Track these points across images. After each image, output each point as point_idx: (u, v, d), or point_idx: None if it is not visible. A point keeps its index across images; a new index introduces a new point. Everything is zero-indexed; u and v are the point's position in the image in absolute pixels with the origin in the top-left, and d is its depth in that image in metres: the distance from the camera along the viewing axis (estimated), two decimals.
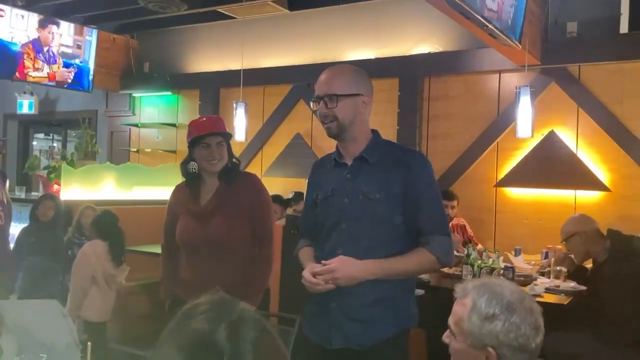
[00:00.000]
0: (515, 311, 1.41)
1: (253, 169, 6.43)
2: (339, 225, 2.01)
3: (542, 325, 1.43)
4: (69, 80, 6.77)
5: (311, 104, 2.06)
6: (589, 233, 3.42)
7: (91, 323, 3.67)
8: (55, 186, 5.27)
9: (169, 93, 7.34)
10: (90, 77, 6.94)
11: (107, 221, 3.87)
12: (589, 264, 4.26)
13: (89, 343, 1.49)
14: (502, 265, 3.95)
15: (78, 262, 3.75)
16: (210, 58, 7.05)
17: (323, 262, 1.93)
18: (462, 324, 1.46)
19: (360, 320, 1.96)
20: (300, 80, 6.27)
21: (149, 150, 7.36)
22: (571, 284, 3.74)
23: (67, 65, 6.71)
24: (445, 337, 1.54)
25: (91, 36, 6.89)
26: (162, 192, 4.88)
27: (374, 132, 2.10)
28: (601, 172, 4.82)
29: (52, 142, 9.54)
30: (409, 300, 2.07)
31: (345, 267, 1.88)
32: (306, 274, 1.93)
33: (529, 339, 1.40)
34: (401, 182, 1.96)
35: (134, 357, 4.13)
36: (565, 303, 3.41)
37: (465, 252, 3.96)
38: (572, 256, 3.93)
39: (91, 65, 6.92)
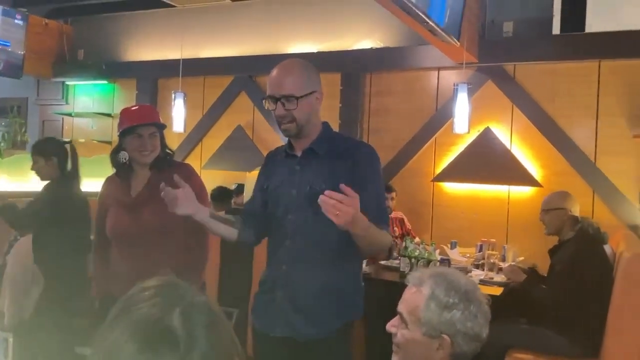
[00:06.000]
0: (472, 301, 1.44)
1: (192, 161, 6.30)
2: (287, 216, 2.01)
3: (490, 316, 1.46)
4: None
5: (264, 102, 2.01)
6: (571, 213, 3.52)
7: (23, 321, 3.47)
8: None
9: (105, 82, 7.10)
10: (20, 64, 6.62)
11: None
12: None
13: (10, 340, 1.41)
14: (439, 257, 4.03)
15: (14, 264, 3.47)
16: (148, 47, 6.86)
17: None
18: (417, 312, 1.44)
19: (306, 311, 1.96)
20: (241, 72, 6.20)
21: (83, 140, 7.07)
22: (502, 276, 3.86)
23: None
24: (391, 327, 1.51)
25: (21, 20, 6.57)
26: (97, 183, 4.70)
27: (324, 124, 2.09)
28: (534, 168, 4.99)
29: None
30: (355, 291, 2.07)
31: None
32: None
33: (482, 328, 1.44)
34: (348, 173, 1.95)
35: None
36: (498, 294, 3.52)
37: (403, 244, 4.01)
38: (517, 266, 4.02)
39: (21, 51, 6.59)
